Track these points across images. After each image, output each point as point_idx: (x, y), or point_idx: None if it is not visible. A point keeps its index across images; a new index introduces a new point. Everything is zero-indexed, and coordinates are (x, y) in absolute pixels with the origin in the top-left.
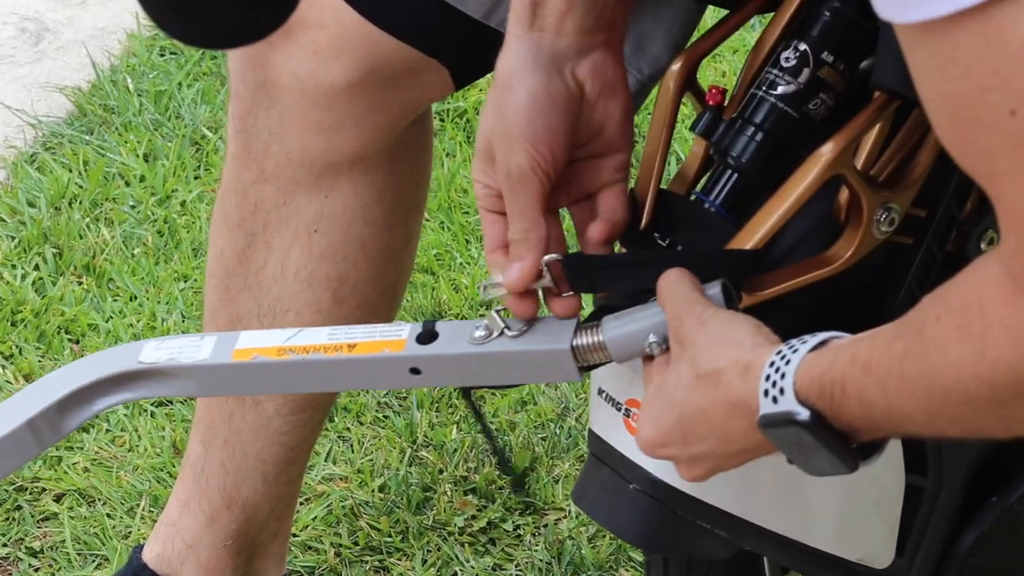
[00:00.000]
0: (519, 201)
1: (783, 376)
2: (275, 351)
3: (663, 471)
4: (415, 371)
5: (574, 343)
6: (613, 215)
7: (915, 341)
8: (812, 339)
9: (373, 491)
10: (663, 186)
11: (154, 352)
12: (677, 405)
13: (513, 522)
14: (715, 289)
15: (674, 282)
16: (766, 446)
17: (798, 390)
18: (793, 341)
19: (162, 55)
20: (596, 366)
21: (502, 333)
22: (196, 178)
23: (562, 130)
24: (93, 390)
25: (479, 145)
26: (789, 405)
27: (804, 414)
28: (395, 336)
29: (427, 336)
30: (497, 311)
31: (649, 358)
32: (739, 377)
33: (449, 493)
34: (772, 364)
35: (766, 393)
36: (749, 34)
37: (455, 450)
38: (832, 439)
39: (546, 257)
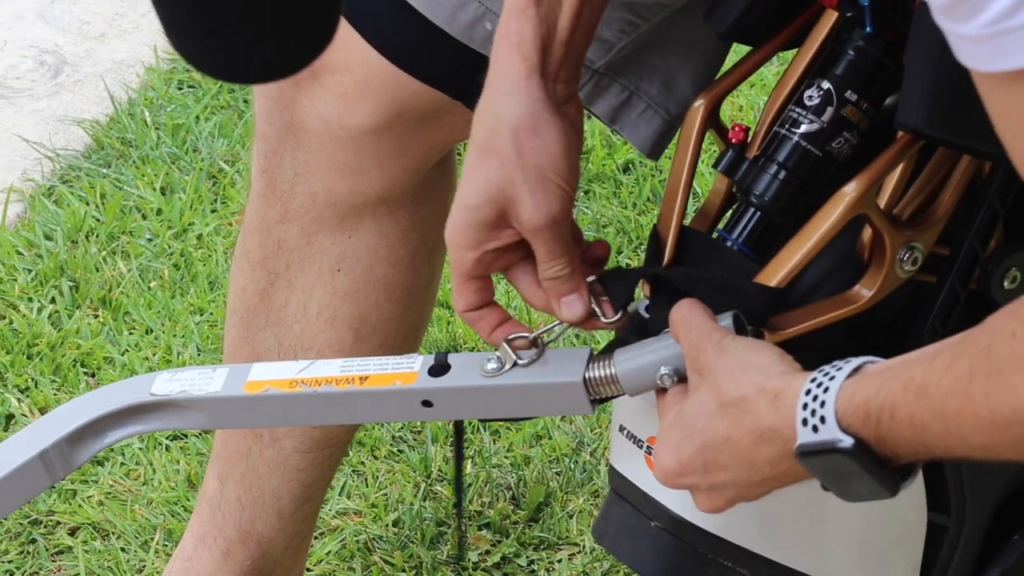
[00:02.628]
0: (557, 242)
1: (823, 404)
2: (287, 383)
3: (684, 508)
4: (427, 403)
5: (586, 375)
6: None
7: (984, 360)
8: (847, 365)
9: (387, 526)
10: (684, 223)
11: (166, 384)
12: (699, 433)
13: (527, 557)
14: (727, 320)
15: (688, 312)
16: (792, 475)
17: (840, 418)
18: (826, 368)
19: (180, 88)
20: (608, 399)
21: (514, 365)
22: (213, 211)
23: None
24: (105, 422)
25: (476, 205)
26: (832, 433)
27: (848, 442)
28: (407, 368)
29: (439, 368)
30: (508, 342)
31: (662, 391)
32: (768, 405)
33: (463, 528)
34: (808, 392)
35: (804, 422)
36: (767, 69)
37: (469, 484)
38: (876, 465)
39: (589, 278)
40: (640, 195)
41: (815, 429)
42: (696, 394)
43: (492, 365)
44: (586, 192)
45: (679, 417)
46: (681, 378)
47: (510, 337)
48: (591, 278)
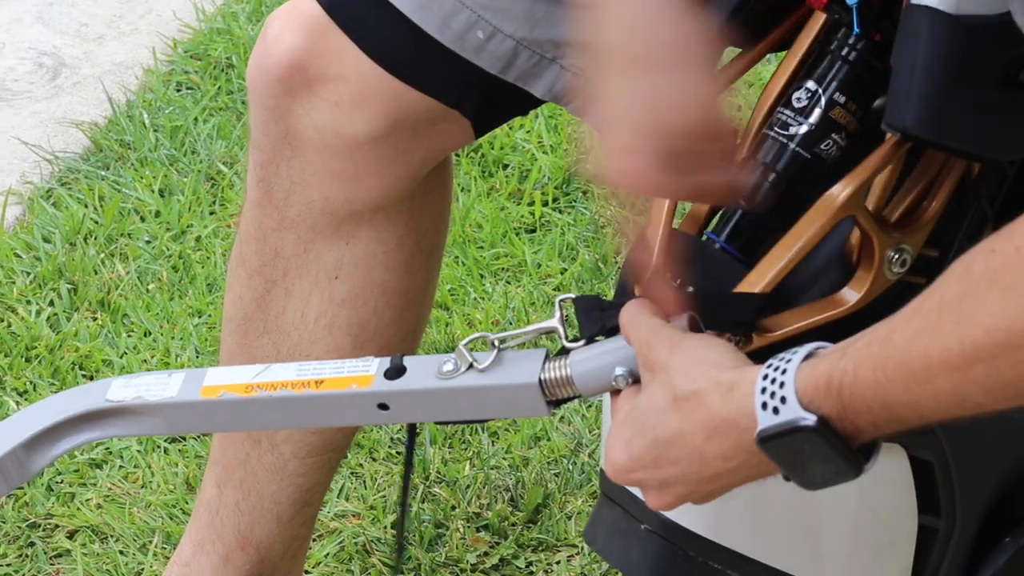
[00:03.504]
0: None
1: (782, 385)
2: (243, 388)
3: (674, 511)
4: (383, 407)
5: (541, 377)
6: None
7: (956, 284)
8: (801, 350)
9: (386, 528)
10: (674, 226)
11: (122, 390)
12: (651, 428)
13: (526, 559)
14: (682, 322)
15: (636, 311)
16: (744, 470)
17: (801, 396)
18: (782, 354)
19: (178, 90)
20: (565, 400)
21: (470, 367)
22: (211, 213)
23: None
24: (60, 429)
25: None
26: (793, 412)
27: (811, 419)
28: (363, 371)
29: (395, 371)
30: (464, 345)
31: (616, 392)
32: (723, 397)
33: (462, 530)
34: (766, 377)
35: (764, 406)
36: (764, 68)
37: (468, 486)
38: (839, 442)
39: (559, 296)
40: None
41: (776, 411)
42: (648, 390)
43: (448, 367)
44: (584, 192)
45: (631, 414)
46: (636, 379)
47: (468, 340)
48: (563, 297)
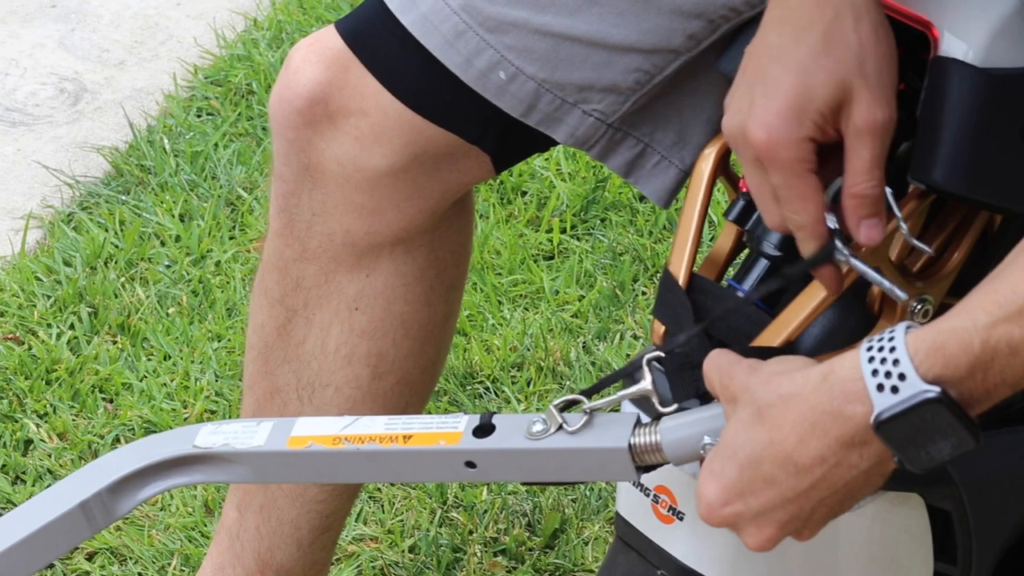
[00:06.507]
0: (881, 152)
1: (896, 363)
2: (330, 440)
3: (690, 557)
4: (470, 464)
5: (631, 442)
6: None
7: None
8: (899, 327)
9: (403, 552)
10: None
11: (210, 437)
12: (740, 449)
13: None
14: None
15: (715, 355)
16: (844, 472)
17: (923, 371)
18: (879, 335)
19: (198, 116)
20: (654, 467)
21: (560, 428)
22: (231, 238)
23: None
24: (147, 473)
25: (813, 94)
26: (916, 387)
27: (935, 391)
28: (451, 428)
29: (483, 429)
30: (555, 405)
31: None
32: (815, 390)
33: (479, 554)
34: (872, 360)
35: (880, 388)
36: None
37: (485, 511)
38: (962, 412)
39: (648, 355)
40: (656, 223)
41: (895, 390)
42: (732, 417)
43: (538, 427)
44: (603, 220)
45: (717, 447)
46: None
47: (559, 401)
48: (652, 356)
